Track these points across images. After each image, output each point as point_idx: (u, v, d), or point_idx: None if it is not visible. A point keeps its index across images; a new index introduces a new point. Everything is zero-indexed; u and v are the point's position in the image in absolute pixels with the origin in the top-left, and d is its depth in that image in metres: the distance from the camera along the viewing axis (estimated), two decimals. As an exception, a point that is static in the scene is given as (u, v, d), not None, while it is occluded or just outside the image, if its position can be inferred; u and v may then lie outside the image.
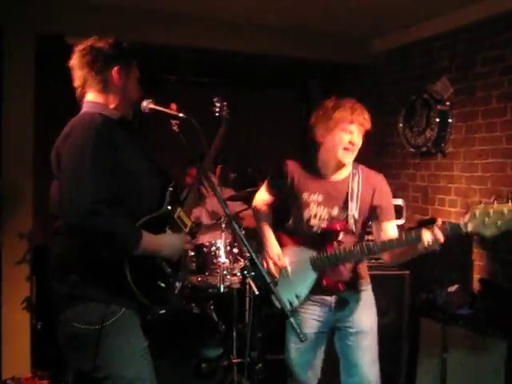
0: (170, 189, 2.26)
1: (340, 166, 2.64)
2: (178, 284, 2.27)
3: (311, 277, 2.66)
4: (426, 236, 2.39)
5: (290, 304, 2.60)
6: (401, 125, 4.79)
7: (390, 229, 2.64)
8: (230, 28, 4.72)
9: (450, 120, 4.35)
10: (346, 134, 2.57)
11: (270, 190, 2.84)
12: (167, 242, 2.19)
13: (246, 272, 2.22)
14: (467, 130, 4.22)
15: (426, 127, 4.50)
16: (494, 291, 3.80)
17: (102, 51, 2.22)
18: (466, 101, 4.22)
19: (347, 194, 2.62)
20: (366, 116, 2.59)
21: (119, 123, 2.23)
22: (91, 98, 2.24)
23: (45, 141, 2.70)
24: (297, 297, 2.65)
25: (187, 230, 2.30)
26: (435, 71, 4.51)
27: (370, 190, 2.65)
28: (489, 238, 2.25)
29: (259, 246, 2.79)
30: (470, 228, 2.27)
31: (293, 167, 2.71)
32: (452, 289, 3.92)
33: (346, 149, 2.58)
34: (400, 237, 2.51)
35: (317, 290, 2.67)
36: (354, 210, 2.61)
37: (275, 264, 2.71)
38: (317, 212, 2.64)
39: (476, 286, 4.03)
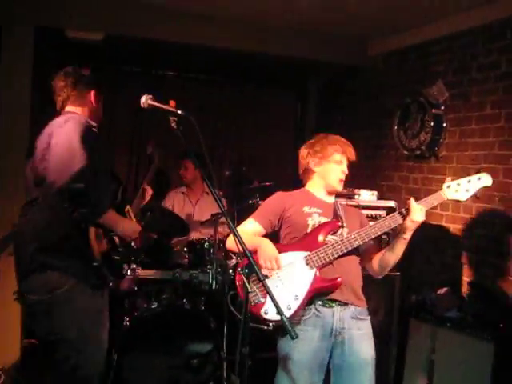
0: (121, 187, 2.80)
1: (331, 192, 2.93)
2: (125, 265, 2.83)
3: (308, 275, 2.69)
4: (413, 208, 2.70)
5: (289, 308, 2.61)
6: (395, 127, 4.82)
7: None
8: (229, 27, 4.75)
9: (444, 124, 4.39)
10: (339, 166, 2.88)
11: (259, 220, 2.86)
12: (124, 223, 2.74)
13: (239, 269, 2.23)
14: (461, 135, 4.26)
15: (421, 130, 4.54)
16: (482, 294, 3.84)
17: (84, 76, 2.81)
18: (460, 106, 4.26)
19: (335, 209, 2.86)
20: (352, 149, 2.92)
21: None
22: (71, 109, 2.77)
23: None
24: (296, 298, 2.65)
25: None
26: (431, 75, 4.54)
27: (356, 214, 2.98)
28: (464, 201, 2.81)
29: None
30: (448, 196, 2.77)
31: (283, 194, 2.94)
32: (441, 291, 3.97)
33: (339, 180, 2.89)
34: (386, 218, 2.81)
35: (317, 294, 2.68)
36: (343, 217, 2.80)
37: (272, 266, 2.66)
38: (320, 220, 2.80)
39: (465, 288, 4.08)
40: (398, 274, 3.83)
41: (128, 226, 2.75)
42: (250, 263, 2.15)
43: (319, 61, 5.27)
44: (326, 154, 2.86)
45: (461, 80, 4.26)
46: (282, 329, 2.10)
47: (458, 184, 2.77)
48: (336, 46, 5.14)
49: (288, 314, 2.58)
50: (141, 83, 5.42)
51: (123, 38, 4.61)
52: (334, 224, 2.77)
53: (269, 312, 2.60)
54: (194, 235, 4.55)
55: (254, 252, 2.67)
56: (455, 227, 4.23)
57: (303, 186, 3.00)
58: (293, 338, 2.06)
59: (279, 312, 2.05)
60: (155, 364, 3.58)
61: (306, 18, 4.60)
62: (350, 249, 2.70)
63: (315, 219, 2.79)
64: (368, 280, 2.94)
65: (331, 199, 2.93)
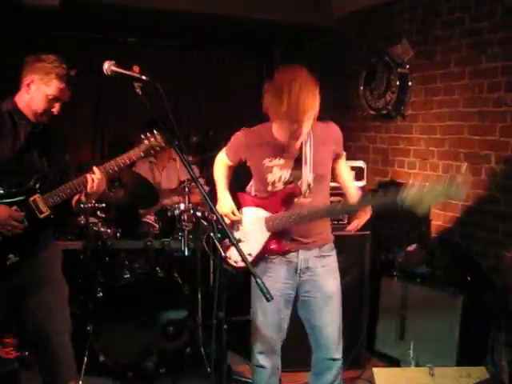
0: (35, 177, 2.62)
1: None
2: (11, 256, 2.58)
3: (263, 236, 2.75)
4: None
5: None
6: (361, 87, 4.83)
7: (343, 165, 2.97)
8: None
9: (409, 83, 4.41)
10: (293, 125, 2.55)
11: (229, 157, 2.91)
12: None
13: (211, 233, 2.23)
14: (426, 93, 4.29)
15: (387, 90, 4.55)
16: (450, 249, 3.94)
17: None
18: (425, 64, 4.27)
19: (300, 159, 2.70)
20: (312, 101, 2.53)
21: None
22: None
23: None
24: (249, 255, 2.73)
25: (41, 216, 2.63)
26: (396, 34, 4.54)
27: (329, 142, 2.83)
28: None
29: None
30: (407, 203, 2.39)
31: (248, 135, 2.80)
32: (411, 248, 4.05)
33: (294, 138, 2.63)
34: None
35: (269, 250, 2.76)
36: (307, 175, 2.69)
37: (229, 218, 2.82)
38: (281, 175, 2.71)
39: (433, 244, 4.16)
40: (368, 232, 3.87)
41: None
42: (222, 227, 2.15)
43: (282, 22, 5.20)
44: (280, 112, 2.52)
45: (425, 38, 4.26)
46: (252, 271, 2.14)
47: (421, 194, 2.35)
48: (299, 7, 5.06)
49: (241, 264, 2.71)
50: (102, 50, 5.30)
51: (81, 3, 4.46)
52: (294, 190, 2.71)
53: (232, 257, 2.76)
54: (165, 202, 4.52)
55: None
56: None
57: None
58: (268, 300, 2.08)
59: (254, 275, 2.06)
60: (131, 333, 3.58)
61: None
62: (304, 221, 2.69)
63: (276, 175, 2.71)
64: (339, 240, 2.98)
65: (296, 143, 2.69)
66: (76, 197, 2.74)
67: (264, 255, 2.77)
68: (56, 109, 2.64)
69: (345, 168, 2.99)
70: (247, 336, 2.94)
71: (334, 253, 2.86)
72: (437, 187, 2.34)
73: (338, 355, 2.84)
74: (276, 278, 2.75)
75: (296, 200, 2.71)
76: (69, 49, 5.48)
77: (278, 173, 2.71)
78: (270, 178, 2.72)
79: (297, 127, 2.55)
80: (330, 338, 2.80)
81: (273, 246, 2.75)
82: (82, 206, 2.91)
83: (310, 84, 2.54)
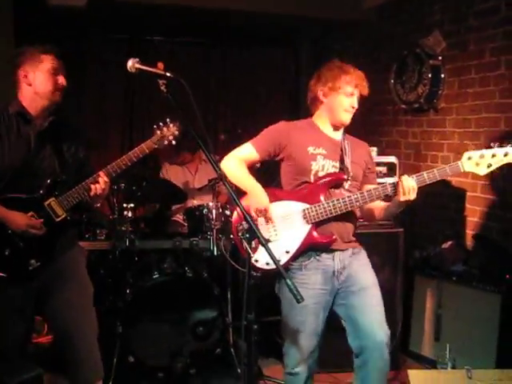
0: (48, 181, 2.60)
1: (339, 125, 2.75)
2: (33, 261, 2.58)
3: (304, 230, 2.64)
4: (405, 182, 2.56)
5: (279, 261, 2.54)
6: (392, 81, 4.71)
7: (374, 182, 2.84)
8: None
9: (442, 75, 4.27)
10: (349, 98, 2.68)
11: (260, 148, 2.75)
12: (13, 218, 2.54)
13: (240, 234, 2.16)
14: (460, 85, 4.16)
15: (418, 83, 4.43)
16: (487, 247, 3.80)
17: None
18: (458, 55, 4.14)
19: (342, 151, 2.72)
20: (366, 83, 2.73)
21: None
22: None
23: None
24: (286, 252, 2.63)
25: (57, 219, 2.61)
26: (427, 25, 4.41)
27: (364, 149, 2.83)
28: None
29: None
30: (466, 168, 2.51)
31: (291, 124, 2.78)
32: (446, 245, 3.94)
33: (346, 111, 2.70)
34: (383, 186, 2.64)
35: (311, 246, 2.64)
36: (348, 165, 2.69)
37: (265, 215, 2.60)
38: (324, 164, 2.67)
39: (470, 241, 4.04)
40: (402, 230, 3.78)
41: (13, 220, 2.57)
42: (250, 227, 2.09)
43: (309, 17, 5.11)
44: (337, 85, 2.66)
45: (458, 28, 4.13)
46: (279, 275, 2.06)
47: (481, 156, 2.49)
48: (328, 1, 4.96)
49: (273, 266, 2.51)
50: (127, 49, 5.30)
51: (107, 3, 4.46)
52: (338, 176, 2.66)
53: (259, 260, 2.60)
54: (193, 202, 4.49)
55: (244, 193, 2.67)
56: (457, 180, 4.16)
57: (311, 115, 2.82)
58: (298, 302, 2.01)
59: (284, 276, 2.00)
60: (160, 334, 3.55)
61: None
62: (349, 209, 2.61)
63: (319, 163, 2.66)
64: (372, 237, 2.90)
65: (338, 135, 2.77)
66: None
67: (304, 250, 2.64)
68: (62, 80, 2.64)
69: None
70: (277, 336, 2.87)
71: (362, 250, 2.79)
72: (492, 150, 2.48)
73: (386, 339, 2.62)
74: (312, 284, 2.64)
75: (337, 190, 2.65)
76: (95, 48, 5.54)
77: (321, 161, 2.66)
78: (314, 166, 2.66)
79: (350, 103, 2.67)
80: (375, 322, 2.62)
81: (317, 236, 2.62)
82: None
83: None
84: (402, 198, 2.55)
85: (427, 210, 4.40)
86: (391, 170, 3.89)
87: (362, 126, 4.85)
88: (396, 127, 4.87)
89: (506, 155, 2.46)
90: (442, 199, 4.33)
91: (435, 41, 4.30)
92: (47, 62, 2.60)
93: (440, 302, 3.72)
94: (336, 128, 2.76)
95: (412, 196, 2.55)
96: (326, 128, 2.76)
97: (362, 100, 2.75)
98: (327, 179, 2.65)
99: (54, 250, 2.65)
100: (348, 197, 2.61)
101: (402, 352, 3.89)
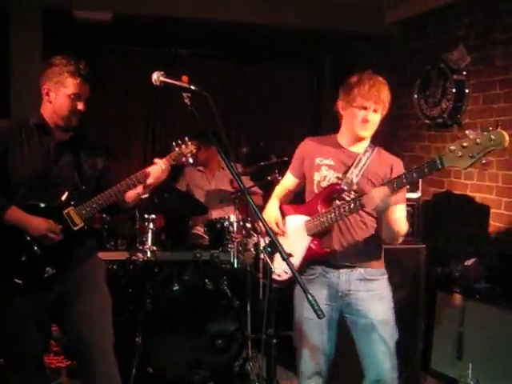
0: (68, 190, 2.61)
1: (357, 139, 2.67)
2: (48, 268, 2.58)
3: (305, 241, 2.66)
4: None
5: (286, 273, 2.62)
6: (415, 96, 4.69)
7: (399, 210, 2.56)
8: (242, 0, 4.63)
9: (466, 90, 4.24)
10: (361, 111, 2.60)
11: (294, 171, 2.83)
12: (32, 222, 2.54)
13: (263, 248, 2.15)
14: (485, 101, 4.12)
15: (442, 98, 4.40)
16: (511, 264, 3.74)
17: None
18: (483, 70, 4.11)
19: (353, 161, 2.65)
20: (384, 94, 2.61)
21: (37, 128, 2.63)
22: None
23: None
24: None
25: (75, 228, 2.62)
26: (452, 40, 4.39)
27: (387, 166, 2.65)
28: (464, 169, 2.24)
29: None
30: (445, 163, 2.21)
31: (310, 143, 2.78)
32: (469, 262, 3.87)
33: (361, 123, 2.61)
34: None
35: (314, 259, 2.65)
36: (353, 175, 2.60)
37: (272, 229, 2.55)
38: (326, 175, 2.65)
39: (493, 259, 3.97)
40: (424, 246, 3.74)
41: (34, 224, 2.59)
42: (272, 241, 2.08)
43: (333, 32, 5.13)
44: (350, 98, 2.61)
45: (483, 43, 4.10)
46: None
47: (464, 146, 2.14)
48: (351, 16, 4.98)
49: (284, 277, 2.66)
50: (151, 62, 5.36)
51: (132, 17, 4.52)
52: (332, 187, 2.61)
53: (275, 271, 2.59)
54: (215, 214, 4.50)
55: None
56: (481, 196, 4.11)
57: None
58: (319, 317, 1.99)
59: (305, 291, 1.98)
60: (179, 345, 3.55)
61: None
62: (344, 218, 2.56)
63: (322, 174, 2.65)
64: (393, 253, 2.86)
65: (359, 148, 2.67)
66: (132, 191, 2.71)
67: (305, 262, 2.65)
68: (81, 106, 2.63)
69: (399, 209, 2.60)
70: (296, 351, 2.85)
71: (384, 278, 2.68)
72: (473, 137, 2.13)
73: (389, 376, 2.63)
74: (318, 299, 2.60)
75: (339, 202, 2.57)
76: (121, 61, 5.62)
77: (324, 172, 2.65)
78: (316, 176, 2.67)
79: (363, 116, 2.57)
80: (380, 366, 2.61)
81: (313, 247, 2.63)
82: (141, 197, 2.82)
83: (381, 80, 2.65)
84: (367, 208, 2.46)
85: (449, 225, 4.34)
86: (413, 185, 3.85)
87: (385, 141, 4.83)
88: (419, 142, 4.84)
89: (490, 140, 2.10)
90: (464, 214, 4.27)
91: (460, 55, 4.27)
92: (70, 87, 2.58)
93: (462, 319, 3.66)
94: (356, 141, 2.68)
95: (376, 204, 2.38)
96: (344, 141, 2.70)
97: (386, 115, 2.70)
98: (323, 190, 2.65)
99: (70, 259, 2.66)
100: (337, 206, 2.55)
101: (423, 370, 3.83)
